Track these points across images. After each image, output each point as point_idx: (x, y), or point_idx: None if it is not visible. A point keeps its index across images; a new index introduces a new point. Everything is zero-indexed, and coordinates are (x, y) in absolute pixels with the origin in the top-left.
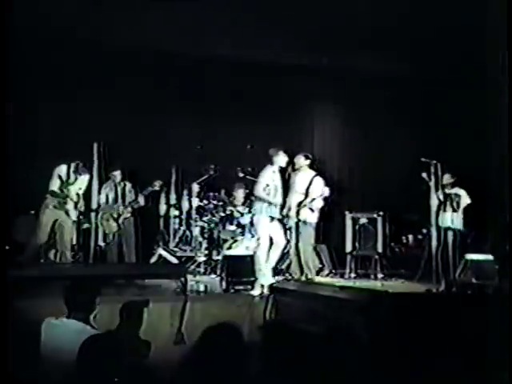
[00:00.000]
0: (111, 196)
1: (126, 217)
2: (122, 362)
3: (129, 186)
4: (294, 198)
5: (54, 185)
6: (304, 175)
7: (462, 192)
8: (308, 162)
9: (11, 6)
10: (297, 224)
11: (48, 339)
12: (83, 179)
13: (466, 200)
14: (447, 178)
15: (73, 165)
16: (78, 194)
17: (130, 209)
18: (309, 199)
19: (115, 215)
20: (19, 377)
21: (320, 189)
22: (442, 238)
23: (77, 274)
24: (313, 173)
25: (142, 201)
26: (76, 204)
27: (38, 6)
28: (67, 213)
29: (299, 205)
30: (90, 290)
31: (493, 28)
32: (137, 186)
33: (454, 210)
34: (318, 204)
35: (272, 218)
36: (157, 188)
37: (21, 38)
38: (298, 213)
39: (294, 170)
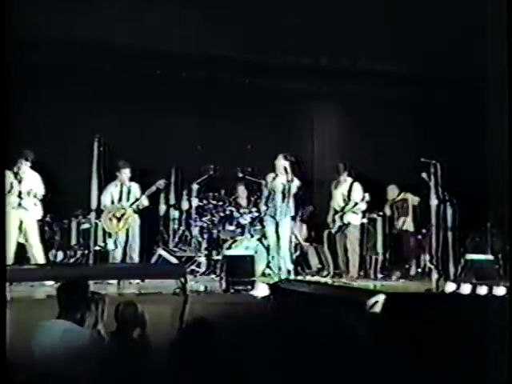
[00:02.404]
0: (116, 195)
1: (130, 216)
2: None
3: (135, 185)
4: (337, 204)
5: (8, 185)
6: (344, 183)
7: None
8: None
9: (11, 7)
10: (340, 227)
11: (38, 339)
12: (32, 177)
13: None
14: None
15: (20, 164)
16: (29, 192)
17: (135, 208)
18: (351, 204)
19: (118, 215)
20: (15, 376)
21: (361, 193)
22: (442, 237)
23: (75, 275)
24: (350, 179)
25: (145, 201)
26: (35, 203)
27: (39, 6)
28: (27, 211)
29: (343, 209)
30: (80, 290)
31: (493, 28)
32: (143, 186)
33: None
34: (361, 208)
35: (276, 222)
36: (161, 187)
37: (20, 38)
38: (342, 217)
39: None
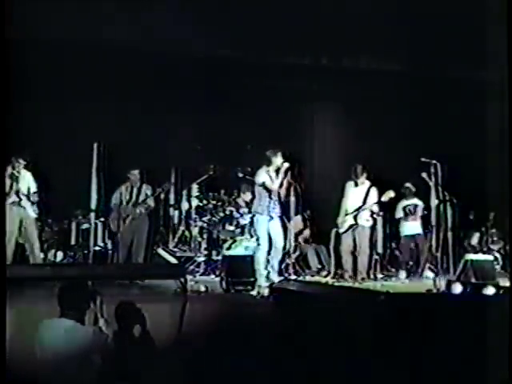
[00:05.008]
0: (125, 197)
1: (135, 217)
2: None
3: (146, 187)
4: (351, 204)
5: (7, 185)
6: (361, 186)
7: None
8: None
9: (11, 8)
10: (351, 226)
11: (40, 338)
12: (25, 176)
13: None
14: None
15: (16, 164)
16: (29, 191)
17: (142, 209)
18: (367, 205)
19: (124, 215)
20: (16, 375)
21: (376, 198)
22: (442, 237)
23: (75, 275)
24: (369, 183)
25: (152, 203)
26: (32, 202)
27: (39, 6)
28: (26, 210)
29: (357, 210)
30: (81, 290)
31: (493, 28)
32: (151, 187)
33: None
34: (376, 209)
35: (271, 217)
36: (166, 189)
37: (21, 38)
38: (355, 217)
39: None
